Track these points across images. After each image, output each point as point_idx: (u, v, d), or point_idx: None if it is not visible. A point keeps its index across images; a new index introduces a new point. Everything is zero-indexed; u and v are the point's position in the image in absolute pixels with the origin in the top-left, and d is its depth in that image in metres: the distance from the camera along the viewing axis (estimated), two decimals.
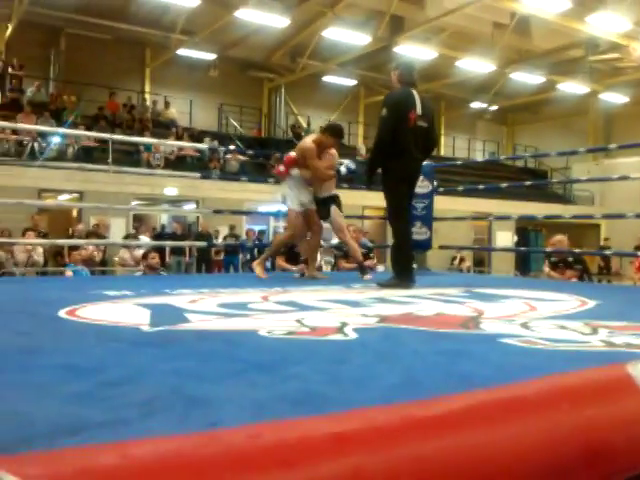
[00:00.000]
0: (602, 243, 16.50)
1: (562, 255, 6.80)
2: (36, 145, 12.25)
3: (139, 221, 12.99)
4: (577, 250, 6.83)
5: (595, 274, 12.32)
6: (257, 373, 1.63)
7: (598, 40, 16.73)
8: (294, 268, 6.31)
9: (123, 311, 2.91)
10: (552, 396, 0.70)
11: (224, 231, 12.55)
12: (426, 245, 6.57)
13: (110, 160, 5.91)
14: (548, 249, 6.52)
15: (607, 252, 11.06)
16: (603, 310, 3.22)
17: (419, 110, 4.37)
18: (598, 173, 19.48)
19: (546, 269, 7.05)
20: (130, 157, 13.69)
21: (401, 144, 4.32)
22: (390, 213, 4.58)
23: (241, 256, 12.02)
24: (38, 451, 0.88)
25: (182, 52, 17.69)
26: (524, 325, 2.45)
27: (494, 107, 23.67)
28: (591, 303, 3.41)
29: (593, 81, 20.41)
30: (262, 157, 16.68)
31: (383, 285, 4.31)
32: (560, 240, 7.02)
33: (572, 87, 20.71)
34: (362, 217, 7.01)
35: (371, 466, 0.54)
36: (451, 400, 0.67)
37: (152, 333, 2.24)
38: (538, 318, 2.72)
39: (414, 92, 4.43)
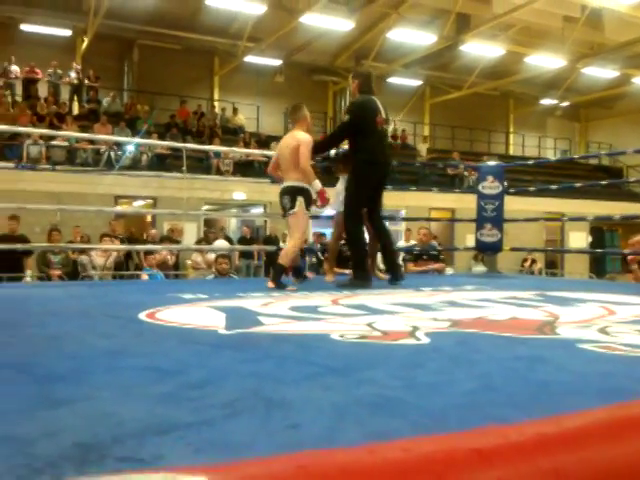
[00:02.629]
0: None
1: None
2: (112, 154, 12.75)
3: (211, 225, 13.31)
4: None
5: None
6: (332, 377, 1.65)
7: None
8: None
9: (199, 314, 2.99)
10: None
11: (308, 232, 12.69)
12: (497, 247, 6.44)
13: (185, 167, 6.13)
14: (626, 250, 6.23)
15: None
16: None
17: (383, 114, 4.70)
18: None
19: (628, 275, 6.73)
20: (200, 163, 14.05)
21: (370, 149, 4.58)
22: (346, 214, 4.73)
23: (308, 259, 12.09)
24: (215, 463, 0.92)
25: (249, 59, 18.01)
26: (602, 330, 2.38)
27: (565, 103, 22.91)
28: None
29: None
30: (328, 160, 16.73)
31: (341, 285, 4.43)
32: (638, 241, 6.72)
33: None
34: (429, 219, 6.94)
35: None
36: (579, 417, 0.67)
37: (229, 336, 2.30)
38: (617, 322, 2.63)
39: (375, 99, 4.71)
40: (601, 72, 19.02)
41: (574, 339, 2.19)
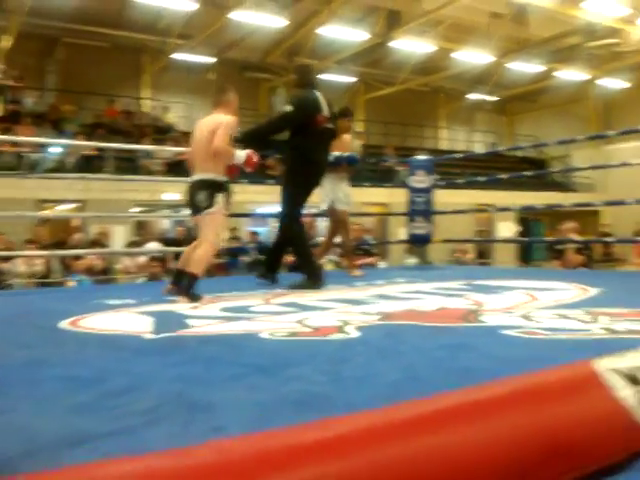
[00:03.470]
0: (601, 229, 16.44)
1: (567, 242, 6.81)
2: (36, 156, 12.28)
3: (141, 228, 13.01)
4: (578, 238, 6.82)
5: (598, 261, 12.30)
6: (259, 376, 1.64)
7: (595, 26, 16.64)
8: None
9: (125, 320, 2.91)
10: (518, 396, 0.72)
11: (225, 234, 12.56)
12: (427, 239, 6.56)
13: (110, 168, 5.90)
14: (549, 239, 6.50)
15: (609, 239, 11.03)
16: (604, 297, 3.21)
17: (326, 112, 4.41)
18: (599, 160, 19.38)
19: (553, 262, 7.05)
20: (130, 164, 13.71)
21: (310, 149, 4.35)
22: (287, 214, 4.46)
23: (243, 258, 12.00)
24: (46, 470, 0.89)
25: (179, 56, 17.66)
26: (525, 316, 2.46)
27: (493, 98, 23.57)
28: (593, 291, 3.41)
29: (592, 67, 20.30)
30: (261, 158, 16.65)
31: (293, 287, 4.15)
32: (571, 228, 7.04)
33: (571, 74, 20.61)
34: (363, 214, 7.00)
35: (335, 475, 0.55)
36: (419, 404, 0.68)
37: (154, 340, 2.25)
38: (539, 308, 2.72)
39: (318, 94, 4.45)
40: (526, 67, 19.67)
41: (498, 326, 2.25)
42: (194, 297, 3.52)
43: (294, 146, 4.43)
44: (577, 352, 1.62)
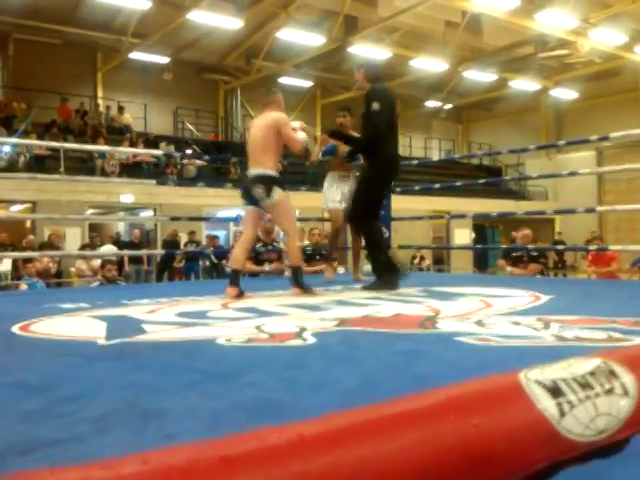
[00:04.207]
0: (556, 237, 16.90)
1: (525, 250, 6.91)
2: None
3: (96, 230, 12.75)
4: (531, 246, 6.97)
5: (551, 268, 12.60)
6: (214, 383, 1.62)
7: (547, 37, 17.10)
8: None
9: (78, 324, 2.85)
10: (440, 407, 0.74)
11: (183, 238, 12.41)
12: (386, 245, 6.61)
13: (62, 169, 5.74)
14: (504, 246, 6.62)
15: (560, 247, 11.32)
16: (556, 304, 3.30)
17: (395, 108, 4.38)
18: (551, 168, 19.94)
19: (508, 268, 7.14)
20: (84, 164, 13.42)
21: (388, 143, 4.24)
22: (363, 214, 4.34)
23: (201, 262, 11.88)
24: None
25: (135, 55, 17.37)
26: (479, 322, 2.50)
27: (449, 105, 23.98)
28: (545, 298, 3.49)
29: (543, 77, 20.86)
30: (220, 161, 16.54)
31: (368, 288, 4.16)
32: (525, 235, 7.14)
33: (523, 84, 21.14)
34: (321, 219, 7.04)
35: None
36: (340, 417, 0.70)
37: (107, 346, 2.21)
38: (493, 315, 2.77)
39: (387, 88, 4.39)
40: (481, 75, 20.08)
41: (452, 332, 2.29)
42: (307, 289, 3.99)
43: (369, 140, 4.32)
44: (525, 359, 1.65)
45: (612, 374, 0.94)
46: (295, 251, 4.13)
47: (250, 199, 4.05)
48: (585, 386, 0.89)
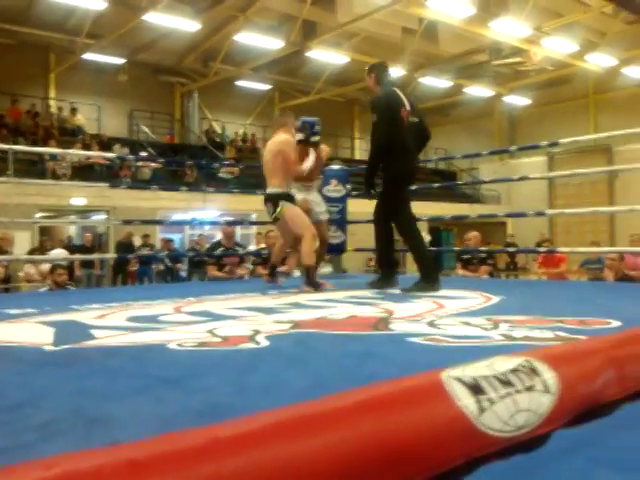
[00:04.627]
0: (507, 240, 17.24)
1: (474, 252, 7.07)
2: None
3: (46, 234, 12.44)
4: (484, 248, 7.11)
5: (502, 270, 12.84)
6: (164, 388, 1.60)
7: (501, 45, 17.48)
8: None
9: (25, 330, 2.77)
10: (360, 406, 0.76)
11: (137, 241, 12.20)
12: (341, 248, 6.65)
13: (11, 171, 5.56)
14: (457, 248, 6.72)
15: (512, 249, 11.57)
16: (506, 305, 3.37)
17: (407, 106, 4.29)
18: (504, 173, 20.36)
19: (460, 271, 7.27)
20: (34, 166, 13.08)
21: (399, 146, 4.22)
22: (396, 217, 4.37)
23: (154, 266, 11.69)
24: None
25: (89, 56, 17.01)
26: (431, 323, 2.53)
27: None
28: (495, 299, 3.57)
29: (497, 84, 21.32)
30: (175, 164, 16.34)
31: (407, 290, 4.11)
32: (475, 236, 7.28)
33: (478, 90, 21.57)
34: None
35: None
36: (258, 418, 0.71)
37: (55, 352, 2.16)
38: (444, 316, 2.81)
39: (397, 90, 4.35)
40: (436, 82, 20.39)
41: (405, 333, 2.31)
42: (317, 286, 4.36)
43: (373, 159, 4.32)
44: (474, 358, 1.68)
45: (534, 371, 0.96)
46: (307, 252, 4.44)
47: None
48: (506, 383, 0.91)
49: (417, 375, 0.93)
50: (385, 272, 4.58)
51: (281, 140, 4.53)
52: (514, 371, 0.96)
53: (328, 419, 0.74)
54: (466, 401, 0.84)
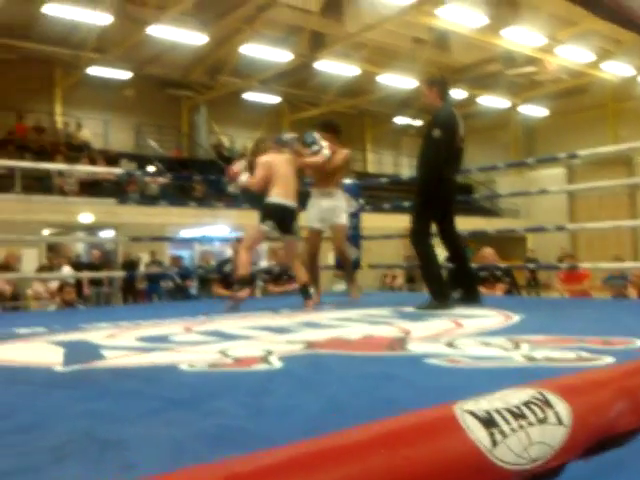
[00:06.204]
0: (528, 255, 16.87)
1: (490, 269, 6.75)
2: None
3: (54, 251, 12.40)
4: (501, 265, 6.90)
5: (523, 286, 12.49)
6: (175, 410, 1.57)
7: (514, 54, 17.32)
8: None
9: (34, 350, 2.75)
10: (371, 441, 0.77)
11: (145, 258, 12.12)
12: (355, 264, 6.54)
13: (18, 188, 5.56)
14: (474, 265, 6.55)
15: (531, 266, 11.17)
16: (526, 324, 3.27)
17: (462, 130, 4.15)
18: (522, 185, 20.08)
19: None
20: (41, 183, 13.04)
21: (445, 168, 4.09)
22: (415, 233, 4.36)
23: (163, 283, 11.60)
24: None
25: (94, 71, 17.00)
26: (449, 343, 2.47)
27: (419, 122, 24.20)
28: (515, 318, 3.47)
29: (512, 94, 21.14)
30: (184, 179, 16.28)
31: (421, 307, 4.06)
32: (490, 253, 7.01)
33: (492, 101, 21.36)
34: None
35: None
36: (269, 455, 0.71)
37: (65, 373, 2.13)
38: (463, 336, 2.74)
39: (455, 110, 4.19)
40: (451, 92, 20.31)
41: (422, 354, 2.24)
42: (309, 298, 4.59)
43: (425, 162, 4.21)
44: (495, 380, 1.62)
45: (546, 403, 0.96)
46: (299, 270, 4.74)
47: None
48: (519, 416, 0.91)
49: (430, 408, 0.92)
50: (438, 290, 4.24)
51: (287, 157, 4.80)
52: (527, 403, 0.96)
53: (341, 454, 0.74)
54: (479, 434, 0.84)
